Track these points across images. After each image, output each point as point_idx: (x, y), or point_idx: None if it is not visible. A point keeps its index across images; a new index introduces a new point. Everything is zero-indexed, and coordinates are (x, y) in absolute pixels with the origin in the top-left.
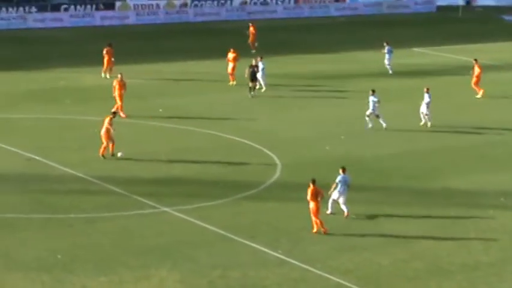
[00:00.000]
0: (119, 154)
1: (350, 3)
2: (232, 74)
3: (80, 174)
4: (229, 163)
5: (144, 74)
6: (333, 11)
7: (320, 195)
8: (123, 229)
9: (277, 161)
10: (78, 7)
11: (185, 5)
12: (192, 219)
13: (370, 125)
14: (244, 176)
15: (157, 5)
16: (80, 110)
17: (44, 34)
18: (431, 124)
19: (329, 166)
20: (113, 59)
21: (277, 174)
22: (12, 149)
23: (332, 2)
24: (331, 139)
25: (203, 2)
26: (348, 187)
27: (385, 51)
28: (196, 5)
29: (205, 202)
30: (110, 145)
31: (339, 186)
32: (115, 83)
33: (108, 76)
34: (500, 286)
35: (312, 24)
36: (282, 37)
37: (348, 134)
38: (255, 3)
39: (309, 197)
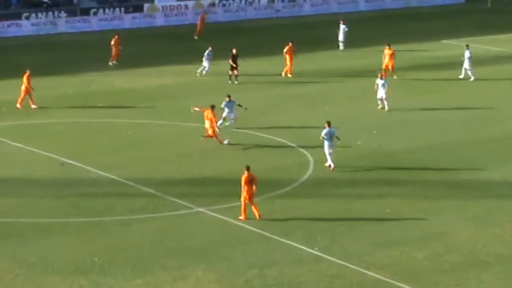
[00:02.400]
0: (225, 141)
1: None
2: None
3: (114, 177)
4: (262, 161)
5: (174, 74)
6: (362, 6)
7: (255, 182)
8: (158, 230)
9: (310, 158)
10: (106, 10)
11: (213, 4)
12: (226, 219)
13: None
14: (277, 174)
15: (186, 6)
16: (112, 113)
17: (74, 38)
18: (389, 108)
19: (362, 161)
20: (120, 47)
21: (311, 170)
22: (47, 153)
23: None
24: (363, 134)
25: (231, 1)
26: (335, 139)
27: (341, 30)
28: (224, 4)
29: (239, 201)
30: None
31: (327, 139)
32: (25, 79)
33: (114, 63)
34: None
35: (339, 20)
36: (310, 34)
37: (379, 128)
38: (282, 1)
39: (243, 183)
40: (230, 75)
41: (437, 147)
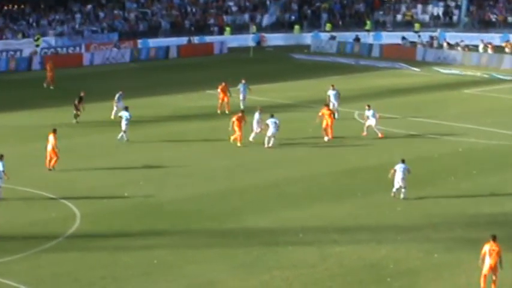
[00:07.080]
0: None
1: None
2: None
3: None
4: (25, 216)
5: None
6: (127, 57)
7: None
8: None
9: (76, 211)
10: None
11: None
12: None
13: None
14: (43, 228)
15: None
16: None
17: None
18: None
19: (129, 212)
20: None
21: (77, 224)
22: None
23: (125, 48)
24: (130, 185)
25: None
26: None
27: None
28: None
29: (4, 257)
30: (53, 160)
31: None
32: None
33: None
34: None
35: (105, 72)
36: (80, 85)
37: (146, 179)
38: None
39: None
40: (75, 114)
41: (203, 197)
